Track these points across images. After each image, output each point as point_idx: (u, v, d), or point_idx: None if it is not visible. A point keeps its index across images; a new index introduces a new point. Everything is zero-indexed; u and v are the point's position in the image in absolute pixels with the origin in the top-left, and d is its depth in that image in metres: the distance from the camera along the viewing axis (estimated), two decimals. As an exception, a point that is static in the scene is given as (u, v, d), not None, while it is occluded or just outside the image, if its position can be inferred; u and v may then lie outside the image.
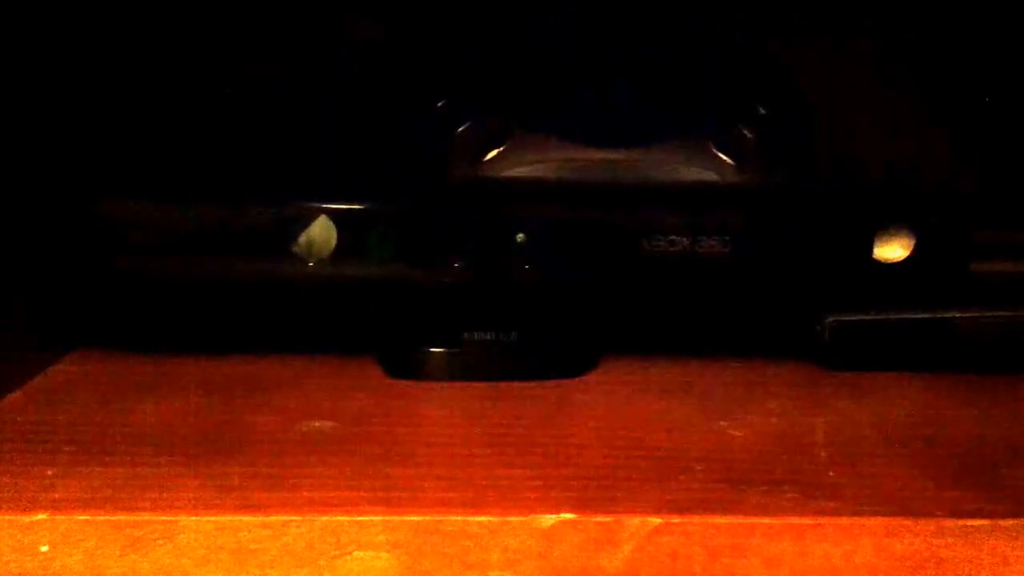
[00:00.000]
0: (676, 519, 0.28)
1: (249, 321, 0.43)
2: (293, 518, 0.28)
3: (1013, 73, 0.58)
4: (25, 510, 0.28)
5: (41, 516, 0.28)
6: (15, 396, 0.37)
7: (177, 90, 0.49)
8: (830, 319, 0.41)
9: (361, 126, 0.49)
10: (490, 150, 0.45)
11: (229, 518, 0.28)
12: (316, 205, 0.40)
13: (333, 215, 0.39)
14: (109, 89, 0.47)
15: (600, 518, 0.28)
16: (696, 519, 0.28)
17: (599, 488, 0.30)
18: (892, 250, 0.41)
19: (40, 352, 0.40)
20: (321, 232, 0.39)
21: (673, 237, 0.41)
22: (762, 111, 0.48)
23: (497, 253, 0.40)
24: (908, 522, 0.28)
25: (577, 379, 0.40)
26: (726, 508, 0.28)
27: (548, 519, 0.28)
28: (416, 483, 0.30)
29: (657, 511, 0.28)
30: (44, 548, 0.28)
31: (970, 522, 0.28)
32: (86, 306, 0.42)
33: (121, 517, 0.28)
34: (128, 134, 0.47)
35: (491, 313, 0.41)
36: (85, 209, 0.39)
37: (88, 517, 0.28)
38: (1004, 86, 0.58)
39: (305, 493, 0.29)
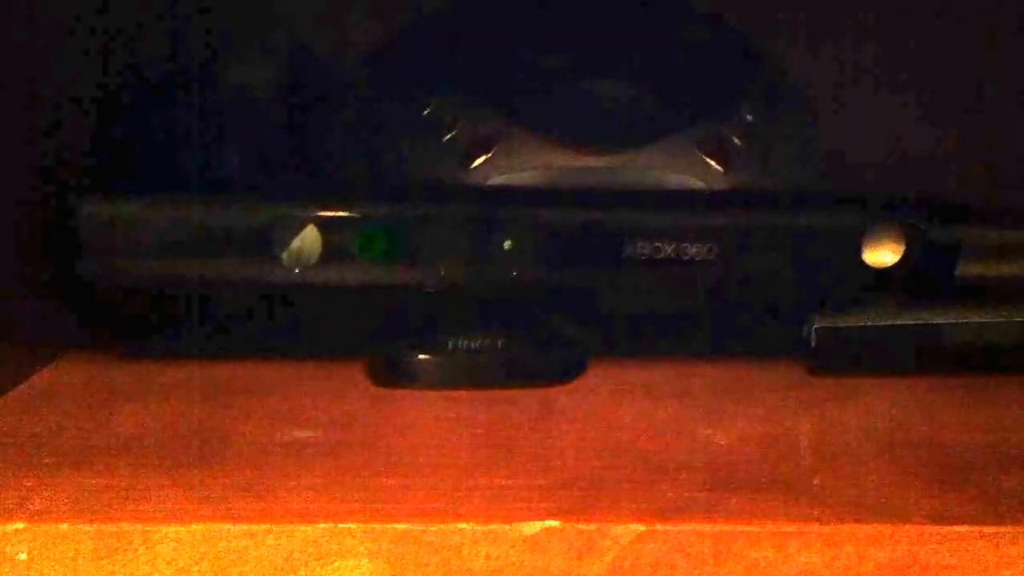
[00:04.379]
0: (659, 526, 0.28)
1: (233, 327, 0.43)
2: (274, 527, 0.28)
3: (1006, 74, 0.58)
4: (3, 519, 0.28)
5: (19, 525, 0.27)
6: (-5, 404, 0.37)
7: (160, 92, 0.49)
8: (817, 323, 0.41)
9: (348, 131, 0.49)
10: (478, 156, 0.45)
11: (209, 527, 0.28)
12: (302, 210, 0.39)
13: (319, 220, 0.39)
14: (94, 91, 0.47)
15: (583, 526, 0.28)
16: (679, 526, 0.28)
17: (582, 495, 0.30)
18: (881, 254, 0.41)
19: (21, 360, 0.40)
20: (307, 239, 0.39)
21: (660, 242, 0.41)
22: (749, 116, 0.48)
23: (484, 259, 0.40)
24: (891, 528, 0.27)
25: (563, 385, 0.40)
26: (709, 515, 0.28)
27: (531, 527, 0.28)
28: (399, 491, 0.30)
29: (640, 518, 0.28)
30: (22, 557, 0.27)
31: (954, 528, 0.28)
32: (69, 313, 0.42)
33: (100, 526, 0.27)
34: (109, 136, 0.47)
35: (478, 319, 0.41)
36: (66, 213, 0.39)
37: (67, 526, 0.27)
38: (997, 87, 0.58)
39: (286, 502, 0.29)
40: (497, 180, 0.45)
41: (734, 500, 0.29)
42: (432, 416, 0.37)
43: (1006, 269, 0.42)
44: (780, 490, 0.30)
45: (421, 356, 0.39)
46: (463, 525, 0.28)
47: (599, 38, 0.49)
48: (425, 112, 0.46)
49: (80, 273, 0.39)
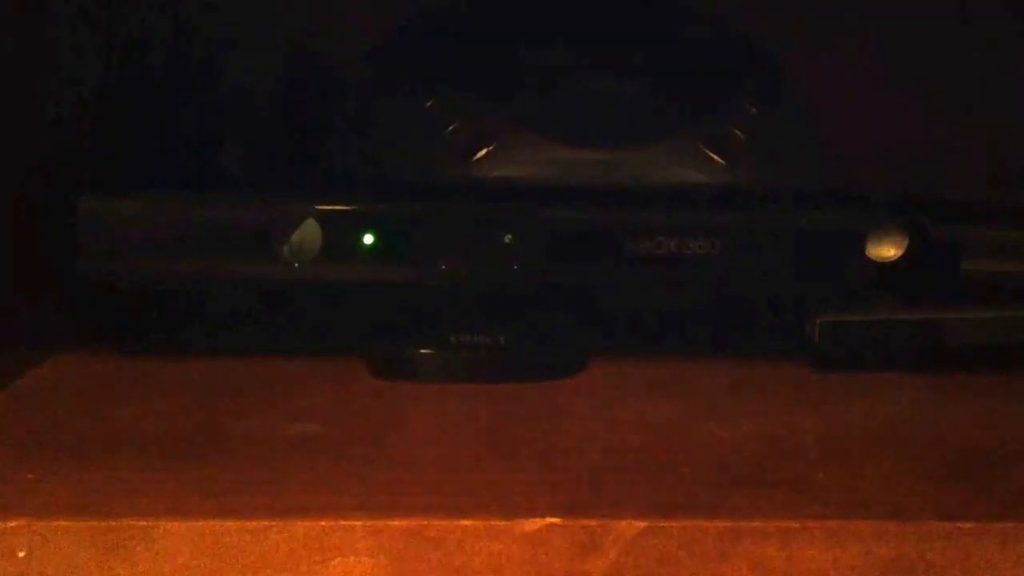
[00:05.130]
0: (662, 523, 0.28)
1: (233, 323, 0.43)
2: (274, 523, 0.27)
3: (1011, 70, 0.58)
4: (2, 515, 0.27)
5: (19, 521, 0.27)
6: (-5, 399, 0.37)
7: (159, 88, 0.49)
8: (820, 319, 0.41)
9: (349, 126, 0.49)
10: (479, 150, 0.45)
11: (210, 523, 0.27)
12: (303, 206, 0.39)
13: (320, 215, 0.39)
14: (94, 88, 0.46)
15: (586, 522, 0.28)
16: (683, 523, 0.28)
17: (585, 492, 0.29)
18: (885, 250, 0.41)
19: (21, 356, 0.40)
20: (307, 234, 0.39)
21: (662, 237, 0.40)
22: (753, 110, 0.48)
23: (485, 254, 0.40)
24: (896, 525, 0.27)
25: (565, 381, 0.39)
26: (713, 511, 0.28)
27: (533, 523, 0.28)
28: (400, 487, 0.30)
29: (643, 515, 0.28)
30: (21, 554, 0.27)
31: (959, 525, 0.27)
32: (68, 308, 0.42)
33: (100, 522, 0.27)
34: (109, 133, 0.47)
35: (479, 314, 0.41)
36: (66, 210, 0.38)
37: (67, 522, 0.27)
38: (1002, 83, 0.58)
39: (287, 497, 0.29)
40: (498, 175, 0.44)
41: (738, 496, 0.29)
42: (434, 412, 0.37)
43: (1010, 266, 0.42)
44: (784, 487, 0.30)
45: (422, 351, 0.39)
46: (465, 521, 0.28)
47: (601, 34, 0.49)
48: (426, 106, 0.46)
49: (80, 270, 0.39)
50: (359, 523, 0.27)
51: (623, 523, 0.28)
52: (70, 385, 0.38)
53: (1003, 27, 0.58)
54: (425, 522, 0.28)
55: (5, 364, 0.38)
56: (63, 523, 0.27)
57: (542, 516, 0.28)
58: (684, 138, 0.46)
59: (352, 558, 0.27)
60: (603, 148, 0.45)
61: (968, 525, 0.27)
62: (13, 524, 0.27)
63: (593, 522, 0.28)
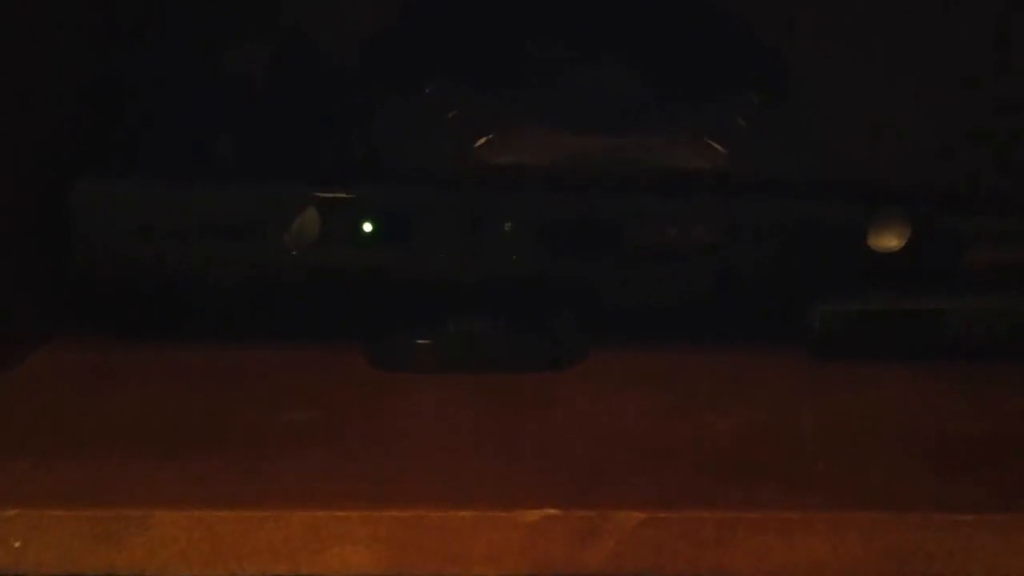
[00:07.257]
0: (661, 513, 0.28)
1: (232, 311, 0.43)
2: (271, 513, 0.27)
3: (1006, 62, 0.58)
4: (-1, 505, 0.27)
5: (14, 511, 0.27)
6: (-10, 388, 0.37)
7: (156, 74, 0.49)
8: (821, 308, 0.40)
9: (348, 112, 0.49)
10: (479, 138, 0.44)
11: (206, 512, 0.27)
12: (300, 192, 0.39)
13: (318, 202, 0.39)
14: (91, 76, 0.46)
15: (584, 512, 0.28)
16: (681, 513, 0.28)
17: (583, 482, 0.29)
18: (887, 239, 0.41)
19: (16, 344, 0.40)
20: (306, 221, 0.39)
21: (664, 226, 0.40)
22: (756, 100, 0.47)
23: (485, 242, 0.40)
24: (895, 516, 0.27)
25: (563, 371, 0.39)
26: (711, 501, 0.28)
27: (532, 513, 0.28)
28: (398, 477, 0.30)
29: (642, 505, 0.28)
30: (17, 543, 0.27)
31: (958, 516, 0.27)
32: (64, 295, 0.42)
33: (96, 511, 0.27)
34: (105, 119, 0.47)
35: (477, 304, 0.40)
36: (61, 194, 0.38)
37: (62, 511, 0.27)
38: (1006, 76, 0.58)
39: (284, 486, 0.29)
40: (498, 163, 0.44)
41: (737, 487, 0.29)
42: (432, 401, 0.37)
43: (1012, 257, 0.42)
44: (784, 477, 0.30)
45: (421, 341, 0.39)
46: (463, 512, 0.28)
47: (604, 23, 0.48)
48: (426, 94, 0.45)
49: (75, 256, 0.38)
50: (356, 513, 0.27)
51: (622, 513, 0.27)
52: (65, 373, 0.38)
53: (1006, 18, 0.58)
54: (423, 512, 0.27)
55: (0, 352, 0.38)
56: (58, 512, 0.27)
57: (541, 506, 0.28)
58: (686, 127, 0.45)
59: (349, 548, 0.27)
60: (605, 137, 0.44)
61: (967, 516, 0.27)
62: (9, 513, 0.27)
63: (592, 512, 0.28)
